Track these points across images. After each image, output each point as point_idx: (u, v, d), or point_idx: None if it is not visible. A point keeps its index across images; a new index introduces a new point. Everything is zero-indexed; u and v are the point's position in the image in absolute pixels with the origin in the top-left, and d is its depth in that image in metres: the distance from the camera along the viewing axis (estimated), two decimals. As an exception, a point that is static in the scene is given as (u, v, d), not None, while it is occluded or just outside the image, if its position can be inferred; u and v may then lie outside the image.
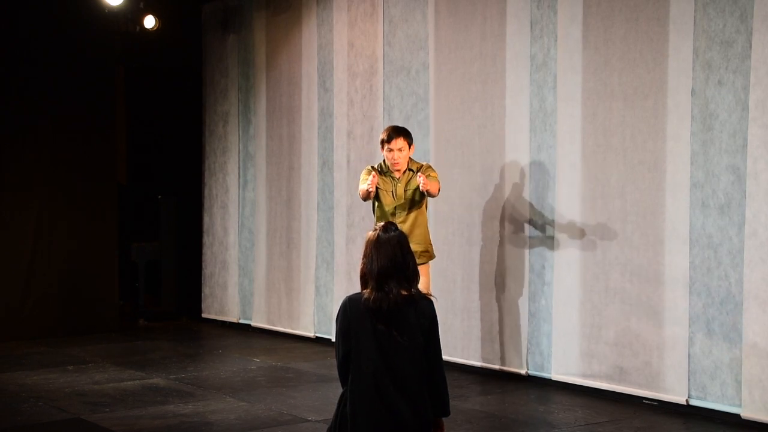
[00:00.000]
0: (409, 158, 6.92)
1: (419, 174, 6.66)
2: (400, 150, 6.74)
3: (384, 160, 6.93)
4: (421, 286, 6.51)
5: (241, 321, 10.53)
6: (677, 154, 6.61)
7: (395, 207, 6.83)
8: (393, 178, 6.86)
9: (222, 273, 10.76)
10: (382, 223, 4.06)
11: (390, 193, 6.85)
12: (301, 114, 9.73)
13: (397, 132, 6.77)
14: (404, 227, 6.73)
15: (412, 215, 6.84)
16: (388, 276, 3.92)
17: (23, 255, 9.73)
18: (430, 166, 6.94)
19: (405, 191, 6.82)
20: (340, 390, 4.09)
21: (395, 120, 8.61)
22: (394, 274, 3.93)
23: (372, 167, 6.95)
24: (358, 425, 3.92)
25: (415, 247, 6.69)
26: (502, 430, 6.35)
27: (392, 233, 3.99)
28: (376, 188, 6.86)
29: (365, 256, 4.00)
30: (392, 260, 3.94)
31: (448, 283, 8.10)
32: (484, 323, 7.92)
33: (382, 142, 6.80)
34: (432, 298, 4.08)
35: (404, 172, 6.85)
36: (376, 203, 6.94)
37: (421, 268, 6.75)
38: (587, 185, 7.18)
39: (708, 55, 6.42)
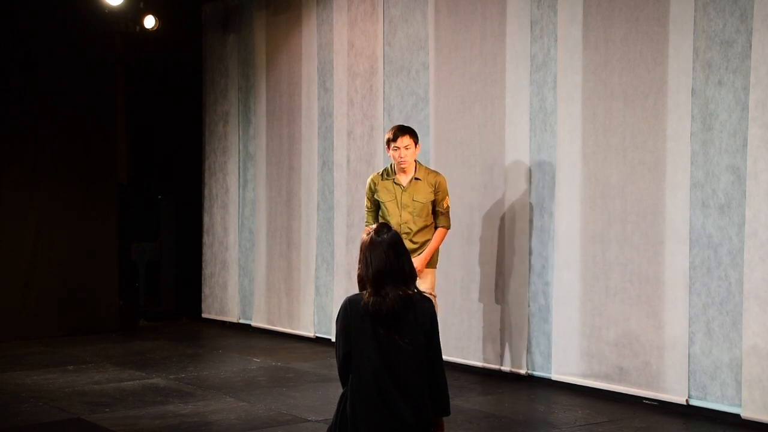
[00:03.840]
0: (418, 164, 6.83)
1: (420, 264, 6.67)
2: (406, 148, 6.69)
3: (390, 165, 6.88)
4: (426, 287, 6.57)
5: (241, 321, 10.53)
6: (677, 154, 6.61)
7: (401, 216, 6.73)
8: (398, 184, 6.78)
9: (222, 273, 10.76)
10: (375, 225, 4.06)
11: (394, 202, 6.77)
12: (301, 114, 9.73)
13: (403, 130, 6.74)
14: (417, 239, 6.70)
15: (421, 225, 6.76)
16: (384, 279, 3.93)
17: (23, 255, 9.73)
18: (444, 188, 6.79)
19: (413, 201, 6.74)
20: (340, 390, 4.09)
21: (395, 120, 8.61)
22: (390, 276, 3.94)
23: (376, 175, 6.90)
24: (359, 425, 3.92)
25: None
26: (502, 430, 6.35)
27: (385, 235, 3.99)
28: (380, 202, 6.82)
29: (360, 260, 4.01)
30: (387, 263, 3.94)
31: (448, 283, 8.10)
32: (484, 323, 7.92)
33: (388, 142, 6.75)
34: (431, 297, 4.08)
35: (411, 180, 6.76)
36: (382, 219, 6.87)
37: (430, 272, 6.77)
38: (587, 185, 7.18)
39: (708, 55, 6.42)
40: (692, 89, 6.51)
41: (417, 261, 6.67)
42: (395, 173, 6.81)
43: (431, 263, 6.81)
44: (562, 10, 7.30)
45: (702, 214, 6.49)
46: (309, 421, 6.53)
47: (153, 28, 10.75)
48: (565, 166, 7.32)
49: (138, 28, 10.67)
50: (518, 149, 7.65)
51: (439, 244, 6.86)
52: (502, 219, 7.78)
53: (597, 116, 7.11)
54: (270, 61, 10.10)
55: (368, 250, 3.98)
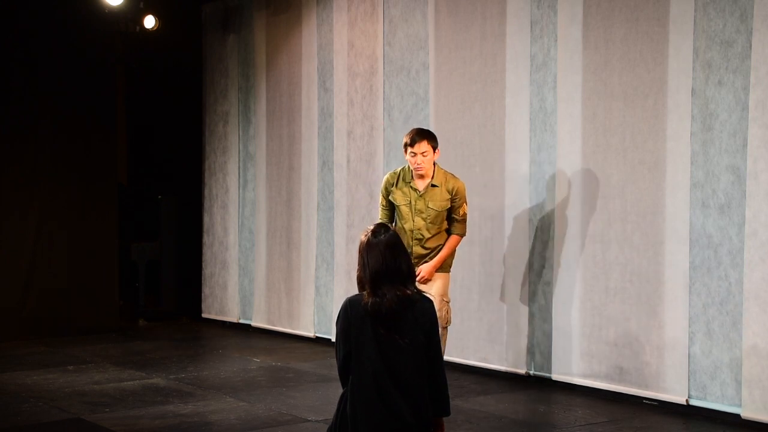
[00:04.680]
0: (437, 168, 6.51)
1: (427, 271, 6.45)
2: (423, 154, 6.37)
3: (408, 166, 6.55)
4: (437, 292, 6.44)
5: (241, 321, 10.53)
6: (677, 154, 6.62)
7: (414, 222, 6.46)
8: (414, 189, 6.49)
9: (222, 273, 10.76)
10: (372, 227, 4.07)
11: (408, 207, 6.49)
12: (301, 114, 9.73)
13: (421, 135, 6.41)
14: (428, 245, 6.47)
15: (435, 231, 6.49)
16: (381, 280, 3.94)
17: (23, 255, 9.73)
18: (462, 195, 6.48)
19: (427, 208, 6.45)
20: (340, 390, 4.10)
21: (395, 120, 8.62)
22: (387, 276, 3.95)
23: (392, 175, 6.60)
24: (359, 425, 3.92)
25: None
26: (502, 430, 6.35)
27: (382, 236, 4.00)
28: (394, 205, 6.58)
29: (359, 261, 4.03)
30: (384, 263, 3.95)
31: (449, 284, 8.08)
32: (484, 323, 7.92)
33: (405, 146, 6.42)
34: (431, 297, 4.09)
35: (427, 186, 6.45)
36: (396, 224, 6.59)
37: (442, 276, 6.63)
38: (587, 185, 7.18)
39: (708, 55, 6.42)
40: (692, 89, 6.51)
41: (425, 268, 6.44)
42: (413, 177, 6.51)
43: (444, 267, 6.56)
44: (562, 10, 7.30)
45: (702, 214, 6.49)
46: (309, 421, 6.53)
47: (153, 28, 10.76)
48: (565, 166, 7.32)
49: (138, 28, 10.68)
50: (518, 149, 7.65)
51: (451, 252, 6.56)
52: (502, 219, 7.78)
53: (597, 116, 7.11)
54: (270, 61, 10.10)
55: (365, 251, 4.00)
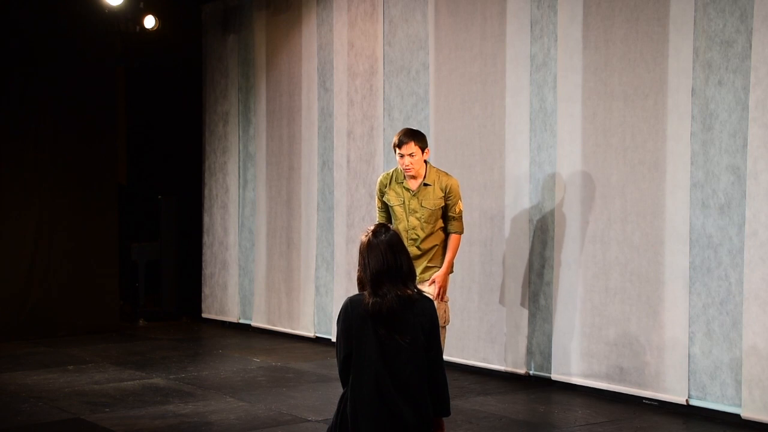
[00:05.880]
0: (429, 167, 6.44)
1: (432, 281, 6.37)
2: (411, 155, 6.31)
3: (399, 167, 6.50)
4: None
5: (241, 321, 10.53)
6: (677, 154, 6.62)
7: (408, 221, 6.40)
8: (407, 189, 6.43)
9: (222, 273, 10.76)
10: (372, 227, 4.07)
11: (402, 207, 6.44)
12: (301, 114, 9.74)
13: (408, 136, 6.34)
14: (423, 246, 6.40)
15: (429, 231, 6.41)
16: (382, 279, 3.95)
17: (23, 255, 9.73)
18: (456, 192, 6.40)
19: (421, 207, 6.39)
20: (340, 390, 4.10)
21: (395, 120, 8.62)
22: (388, 276, 3.95)
23: (385, 176, 6.56)
24: (359, 426, 3.92)
25: (433, 262, 6.43)
26: (502, 430, 6.35)
27: (382, 236, 4.00)
28: (388, 205, 6.54)
29: (359, 262, 4.03)
30: (384, 263, 3.96)
31: (449, 283, 8.08)
32: (484, 323, 7.92)
33: (394, 147, 6.39)
34: (430, 296, 4.09)
35: (420, 185, 6.39)
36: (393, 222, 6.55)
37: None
38: (587, 185, 7.18)
39: (708, 55, 6.42)
40: (692, 89, 6.51)
41: (440, 278, 6.36)
42: (405, 177, 6.45)
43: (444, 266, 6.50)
44: (562, 10, 7.30)
45: (702, 214, 6.49)
46: (309, 421, 6.53)
47: (153, 28, 10.76)
48: (565, 166, 7.33)
49: (138, 28, 10.68)
50: (518, 149, 7.65)
51: (456, 252, 6.47)
52: (502, 219, 7.78)
53: (597, 116, 7.11)
54: (270, 61, 10.10)
55: (366, 251, 4.00)
